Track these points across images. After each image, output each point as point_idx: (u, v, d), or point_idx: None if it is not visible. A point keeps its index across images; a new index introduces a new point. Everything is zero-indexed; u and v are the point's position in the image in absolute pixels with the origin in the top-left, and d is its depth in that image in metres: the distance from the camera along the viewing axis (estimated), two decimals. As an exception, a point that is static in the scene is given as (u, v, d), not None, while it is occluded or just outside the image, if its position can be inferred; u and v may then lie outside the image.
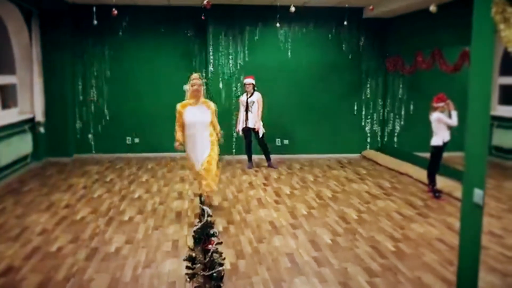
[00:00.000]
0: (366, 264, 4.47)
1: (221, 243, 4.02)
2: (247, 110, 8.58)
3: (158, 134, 9.77)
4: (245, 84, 8.68)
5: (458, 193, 6.33)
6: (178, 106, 5.84)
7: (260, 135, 8.60)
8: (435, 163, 6.87)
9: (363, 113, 10.14)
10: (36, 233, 5.22)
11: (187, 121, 5.78)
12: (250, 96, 8.57)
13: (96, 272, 4.25)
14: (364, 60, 9.99)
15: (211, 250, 3.86)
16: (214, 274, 3.83)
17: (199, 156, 5.84)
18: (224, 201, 6.60)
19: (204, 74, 9.77)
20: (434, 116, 6.69)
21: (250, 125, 8.60)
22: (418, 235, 5.26)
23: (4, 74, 8.65)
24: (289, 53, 9.77)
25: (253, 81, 8.58)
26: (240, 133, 8.85)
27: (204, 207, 4.03)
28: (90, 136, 9.81)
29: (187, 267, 3.96)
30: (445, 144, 6.71)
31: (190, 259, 3.94)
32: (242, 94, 8.98)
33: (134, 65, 9.71)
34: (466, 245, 3.27)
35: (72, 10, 9.26)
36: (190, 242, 4.17)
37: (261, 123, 8.58)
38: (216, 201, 6.48)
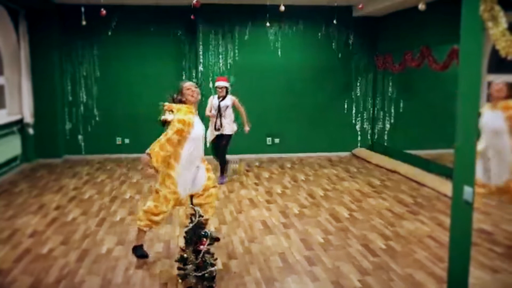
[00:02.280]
0: (358, 262, 4.49)
1: (212, 243, 4.02)
2: (220, 115, 7.49)
3: (149, 134, 9.70)
4: (217, 87, 7.59)
5: (447, 190, 6.39)
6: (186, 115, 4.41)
7: (233, 131, 7.65)
8: None
9: (354, 111, 10.18)
10: (26, 235, 5.18)
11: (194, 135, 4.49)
12: (222, 100, 7.53)
13: (88, 273, 4.23)
14: (354, 59, 10.03)
15: (203, 251, 3.86)
16: (206, 275, 3.83)
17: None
18: (216, 201, 6.58)
19: (194, 74, 9.77)
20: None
21: (226, 131, 7.52)
22: (409, 233, 5.29)
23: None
24: (279, 52, 9.78)
25: (226, 84, 7.61)
26: (208, 144, 7.48)
27: (196, 208, 4.03)
28: (80, 137, 9.76)
29: (179, 268, 3.95)
30: None
31: (182, 259, 3.94)
32: (213, 95, 7.82)
33: (123, 65, 9.66)
34: (457, 242, 3.29)
35: (60, 10, 9.19)
36: (182, 243, 4.16)
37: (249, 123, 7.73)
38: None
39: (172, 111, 4.40)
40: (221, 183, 7.41)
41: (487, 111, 4.61)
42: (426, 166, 7.94)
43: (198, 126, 4.47)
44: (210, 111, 7.57)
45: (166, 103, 4.47)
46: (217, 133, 7.56)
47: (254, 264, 4.44)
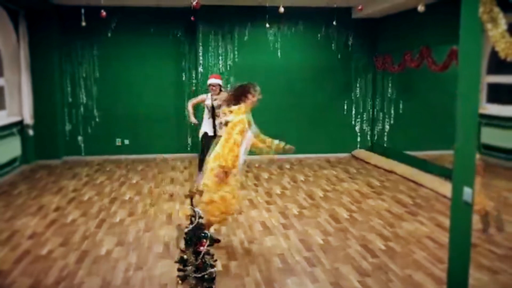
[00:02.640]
0: (357, 263, 4.49)
1: (212, 244, 4.02)
2: (213, 115, 7.03)
3: (148, 136, 9.75)
4: (210, 85, 7.06)
5: (446, 191, 6.39)
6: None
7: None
8: None
9: (353, 112, 10.17)
10: (26, 237, 5.18)
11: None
12: (215, 99, 7.02)
13: (87, 275, 4.23)
14: (354, 60, 10.03)
15: (203, 252, 3.86)
16: (206, 276, 3.83)
17: None
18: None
19: (194, 75, 9.77)
20: None
21: (221, 132, 6.55)
22: (408, 233, 5.29)
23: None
24: (278, 53, 9.78)
25: (220, 82, 7.11)
26: (200, 137, 7.22)
27: (196, 209, 4.03)
28: (79, 138, 9.75)
29: (179, 269, 3.96)
30: None
31: (182, 261, 3.94)
32: (207, 93, 7.29)
33: (123, 66, 9.66)
34: (456, 243, 3.30)
35: (59, 11, 9.19)
36: (182, 244, 4.16)
37: None
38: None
39: (231, 112, 4.65)
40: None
41: None
42: (425, 167, 7.94)
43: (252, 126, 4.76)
44: (194, 113, 7.30)
45: (227, 109, 4.71)
46: (210, 133, 7.02)
47: (253, 265, 4.45)
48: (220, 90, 7.09)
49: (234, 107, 4.64)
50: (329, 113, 10.03)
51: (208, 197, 4.52)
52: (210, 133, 7.02)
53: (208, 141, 6.84)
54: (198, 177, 7.15)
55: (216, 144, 4.75)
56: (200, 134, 7.20)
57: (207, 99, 7.13)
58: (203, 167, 6.72)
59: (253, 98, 4.72)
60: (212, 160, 4.57)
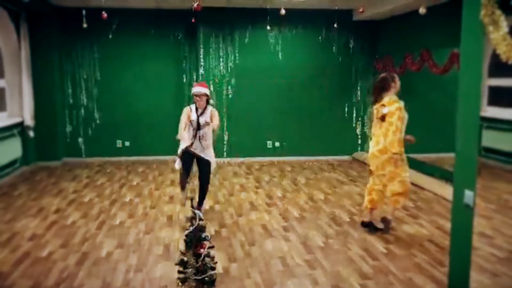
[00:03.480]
0: (358, 266, 4.48)
1: (213, 247, 4.02)
2: (198, 135, 5.65)
3: (149, 137, 9.74)
4: (194, 95, 5.66)
5: (447, 193, 6.38)
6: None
7: (213, 167, 5.91)
8: None
9: (354, 115, 10.16)
10: (26, 238, 5.17)
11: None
12: (202, 113, 5.67)
13: (87, 277, 4.22)
14: (354, 62, 10.03)
15: (203, 254, 3.85)
16: (206, 278, 3.83)
17: None
18: (216, 204, 6.59)
19: (195, 77, 9.76)
20: None
21: (207, 156, 5.77)
22: (409, 236, 5.28)
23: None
24: (279, 56, 9.78)
25: (207, 91, 5.68)
26: (179, 153, 5.70)
27: (196, 211, 4.02)
28: (80, 139, 9.74)
29: (179, 271, 3.95)
30: None
31: (182, 263, 3.93)
32: (190, 104, 5.97)
33: (124, 68, 9.66)
34: (458, 246, 3.29)
35: (60, 12, 9.20)
36: (182, 246, 4.15)
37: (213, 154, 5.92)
38: (207, 204, 6.47)
39: (384, 105, 5.08)
40: (198, 209, 5.15)
41: None
42: (425, 170, 7.93)
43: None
44: (185, 129, 5.66)
45: (379, 103, 5.17)
46: (194, 151, 5.70)
47: (254, 268, 4.44)
48: (207, 102, 5.76)
49: (385, 100, 5.09)
50: (330, 115, 10.02)
51: (391, 190, 5.15)
52: (195, 153, 5.73)
53: (189, 156, 5.73)
54: (182, 195, 6.06)
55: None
56: (180, 150, 5.71)
57: (192, 112, 5.71)
58: (186, 186, 5.88)
59: (396, 86, 5.15)
60: (377, 153, 5.12)
